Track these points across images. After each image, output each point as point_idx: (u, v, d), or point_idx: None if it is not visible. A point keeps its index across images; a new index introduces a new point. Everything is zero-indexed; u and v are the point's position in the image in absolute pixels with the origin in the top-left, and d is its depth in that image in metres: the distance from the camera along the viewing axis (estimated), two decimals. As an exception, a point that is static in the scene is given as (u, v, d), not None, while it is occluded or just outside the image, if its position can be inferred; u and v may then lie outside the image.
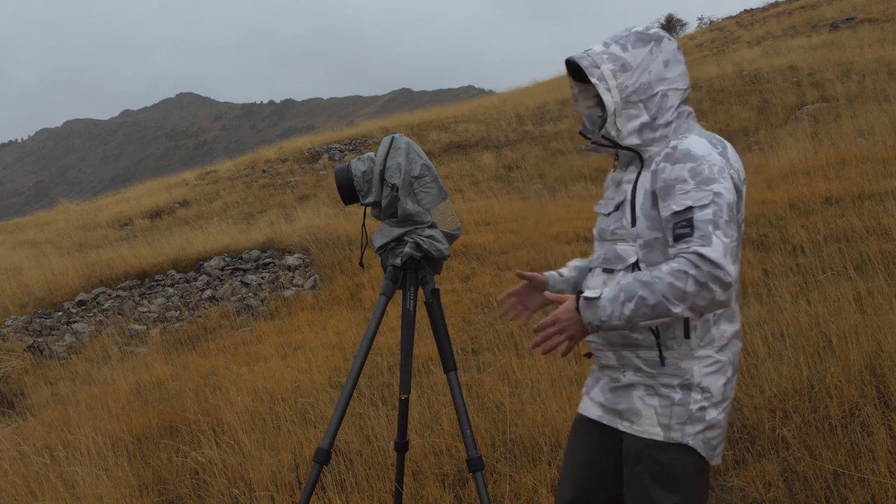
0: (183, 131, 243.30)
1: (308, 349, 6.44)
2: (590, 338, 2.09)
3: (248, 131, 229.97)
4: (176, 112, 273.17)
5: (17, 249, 16.29)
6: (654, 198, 1.98)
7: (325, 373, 5.47)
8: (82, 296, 10.28)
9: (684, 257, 1.81)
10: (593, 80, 2.02)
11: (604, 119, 2.15)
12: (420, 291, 2.94)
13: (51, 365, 7.89)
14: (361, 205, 2.99)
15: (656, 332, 1.96)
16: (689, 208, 1.86)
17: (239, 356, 6.76)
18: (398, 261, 2.90)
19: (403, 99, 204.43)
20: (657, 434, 1.99)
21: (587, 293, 1.89)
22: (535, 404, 3.97)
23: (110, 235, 17.54)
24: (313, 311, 8.20)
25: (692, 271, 1.78)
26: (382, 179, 2.90)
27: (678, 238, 1.86)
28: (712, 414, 1.98)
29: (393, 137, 2.98)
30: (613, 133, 2.04)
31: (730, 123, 13.53)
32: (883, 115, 10.44)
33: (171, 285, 10.38)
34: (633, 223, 2.01)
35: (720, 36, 28.11)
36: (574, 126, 17.31)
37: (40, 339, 8.62)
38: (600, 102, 2.16)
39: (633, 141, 2.04)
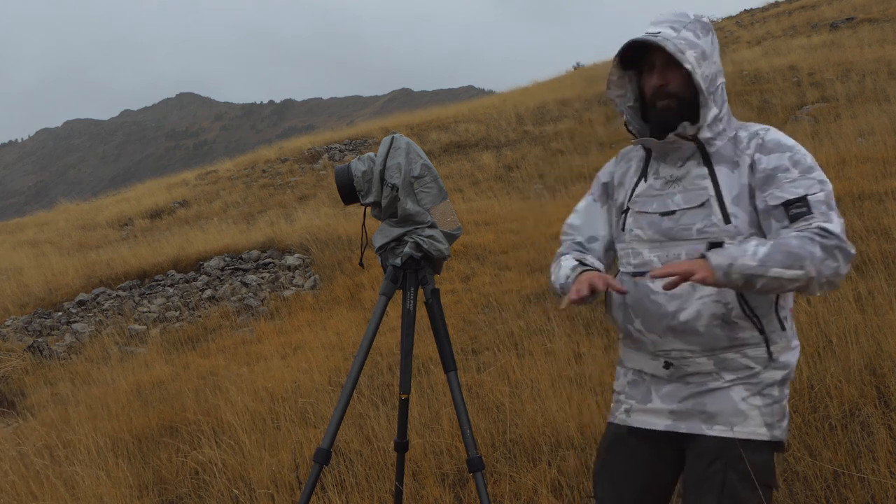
0: (183, 131, 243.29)
1: (308, 349, 6.44)
2: (680, 345, 1.97)
3: (248, 131, 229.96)
4: (176, 112, 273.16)
5: (17, 249, 16.29)
6: (751, 191, 1.95)
7: (325, 373, 5.47)
8: (82, 296, 10.28)
9: (808, 231, 1.82)
10: (688, 66, 1.91)
11: (633, 109, 2.09)
12: (420, 291, 2.94)
13: (51, 365, 7.89)
14: (361, 205, 2.98)
15: (762, 328, 1.94)
16: (803, 196, 1.87)
17: (239, 356, 6.76)
18: (398, 261, 2.89)
19: (403, 99, 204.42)
20: (762, 434, 1.95)
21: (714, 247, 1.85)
22: (535, 404, 3.97)
23: (110, 235, 17.54)
24: (313, 311, 8.20)
25: (818, 239, 1.80)
26: (382, 179, 2.90)
27: (795, 218, 1.86)
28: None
29: (393, 137, 2.98)
30: (702, 124, 1.97)
31: (730, 123, 13.51)
32: (883, 115, 10.44)
33: (171, 285, 10.38)
34: (727, 220, 1.93)
35: (720, 36, 28.09)
36: (574, 126, 17.31)
37: (40, 339, 8.62)
38: (634, 91, 2.08)
39: (706, 134, 1.98)
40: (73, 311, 9.95)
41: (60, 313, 9.92)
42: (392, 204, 2.90)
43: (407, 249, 2.88)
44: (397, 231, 2.91)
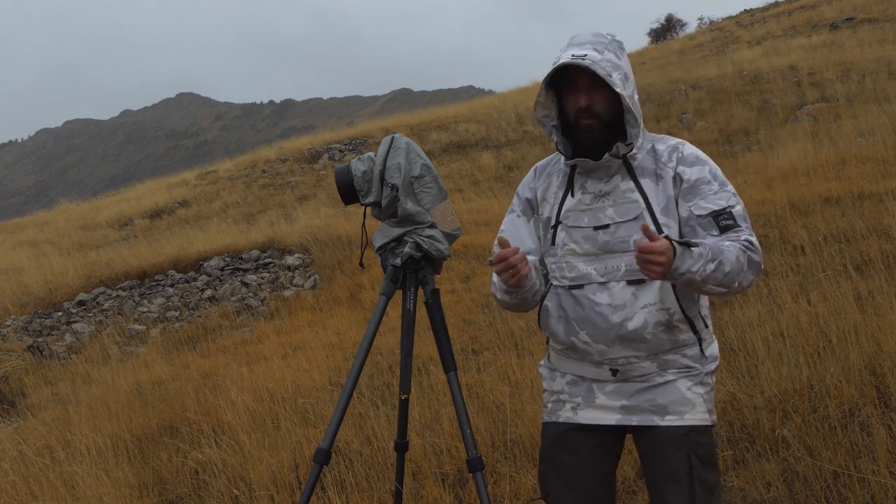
0: (183, 131, 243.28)
1: (308, 349, 6.45)
2: (627, 353, 2.06)
3: (248, 131, 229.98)
4: (176, 112, 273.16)
5: (17, 249, 16.29)
6: (676, 202, 2.08)
7: (325, 373, 5.47)
8: (82, 296, 10.28)
9: (739, 243, 1.97)
10: (618, 90, 1.99)
11: (556, 128, 2.15)
12: (420, 291, 2.94)
13: (51, 365, 7.89)
14: (361, 205, 2.98)
15: (695, 329, 2.10)
16: (726, 208, 2.03)
17: (239, 356, 6.76)
18: (398, 261, 2.89)
19: (403, 99, 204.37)
20: (706, 420, 2.10)
21: (688, 241, 1.92)
22: (535, 404, 3.97)
23: (110, 235, 17.54)
24: (313, 311, 8.20)
25: (748, 253, 1.97)
26: (382, 179, 2.90)
27: (725, 229, 2.01)
28: None
29: (393, 137, 2.98)
30: (632, 143, 2.08)
31: (730, 123, 13.52)
32: (883, 115, 10.43)
33: (171, 285, 10.38)
34: (659, 230, 2.05)
35: (720, 36, 28.10)
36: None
37: (40, 339, 8.62)
38: (555, 110, 2.15)
39: (631, 150, 2.09)
40: (73, 311, 9.95)
41: (60, 313, 9.92)
42: (392, 204, 2.90)
43: (407, 249, 2.88)
44: (397, 231, 2.91)
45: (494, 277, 2.18)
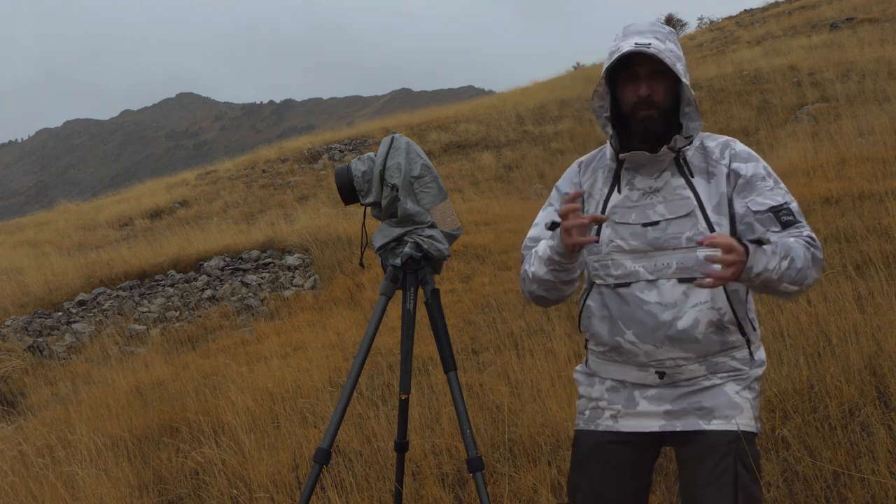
0: (183, 131, 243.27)
1: (308, 349, 6.45)
2: (676, 353, 1.99)
3: (248, 131, 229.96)
4: (176, 112, 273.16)
5: (17, 249, 16.30)
6: (729, 200, 2.03)
7: (325, 373, 5.47)
8: (82, 296, 10.28)
9: (803, 238, 1.94)
10: (684, 80, 1.96)
11: (608, 119, 2.09)
12: (420, 291, 2.94)
13: (51, 365, 7.89)
14: (361, 205, 2.98)
15: (743, 331, 2.03)
16: (784, 203, 1.99)
17: (239, 356, 6.76)
18: (398, 261, 2.89)
19: (403, 99, 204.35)
20: (753, 427, 2.02)
21: (759, 237, 1.89)
22: (535, 404, 3.97)
23: (110, 235, 17.54)
24: (313, 311, 8.20)
25: (812, 250, 1.94)
26: (382, 179, 2.90)
27: (787, 224, 1.97)
28: None
29: (393, 137, 2.97)
30: (692, 136, 2.03)
31: (730, 123, 13.52)
32: (883, 115, 10.43)
33: (171, 285, 10.38)
34: (711, 228, 1.98)
35: (720, 36, 28.11)
36: (574, 126, 17.30)
37: (40, 339, 8.62)
38: (609, 101, 2.08)
39: (690, 143, 2.06)
40: (73, 311, 9.95)
41: (60, 313, 9.92)
42: (392, 204, 2.90)
43: (407, 249, 2.88)
44: (397, 231, 2.91)
45: (541, 247, 2.05)
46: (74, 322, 9.51)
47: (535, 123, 18.75)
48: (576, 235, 1.90)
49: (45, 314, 9.95)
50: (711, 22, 35.58)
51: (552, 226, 2.02)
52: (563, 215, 1.90)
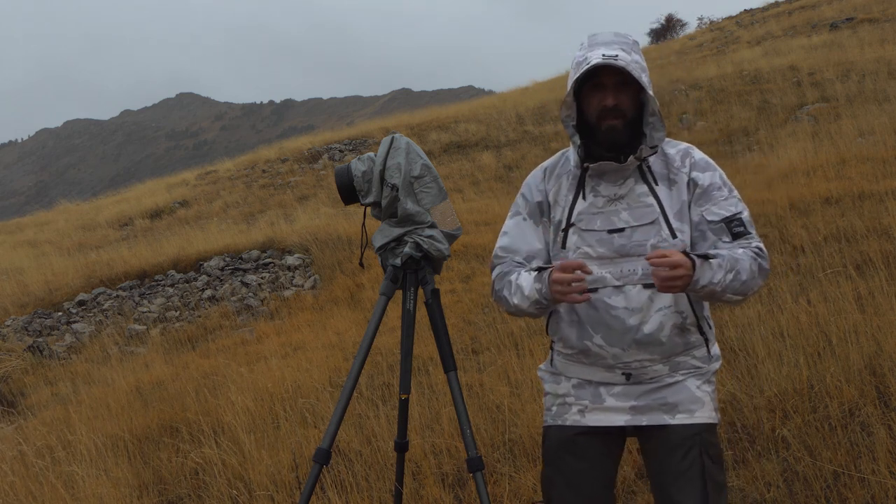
0: (183, 131, 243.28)
1: (308, 349, 6.45)
2: (642, 356, 2.07)
3: (248, 131, 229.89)
4: (176, 112, 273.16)
5: (17, 249, 16.29)
6: (688, 207, 2.10)
7: (325, 373, 5.47)
8: (82, 296, 10.28)
9: (751, 250, 2.03)
10: (650, 92, 2.03)
11: (575, 128, 2.13)
12: (420, 291, 2.94)
13: (51, 365, 7.89)
14: (361, 205, 2.98)
15: (702, 331, 2.13)
16: (737, 214, 2.08)
17: (239, 356, 6.76)
18: (398, 261, 2.89)
19: (403, 99, 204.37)
20: (713, 418, 2.13)
21: (706, 253, 1.98)
22: (535, 404, 3.97)
23: (110, 235, 17.54)
24: (313, 311, 8.20)
25: (759, 261, 2.03)
26: (382, 179, 2.90)
27: (738, 235, 2.07)
28: None
29: (393, 137, 2.97)
30: (656, 146, 2.09)
31: (730, 123, 13.52)
32: (883, 115, 10.43)
33: (171, 285, 10.38)
34: (674, 235, 2.06)
35: (720, 36, 28.10)
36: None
37: (40, 339, 8.62)
38: (578, 113, 2.13)
39: (655, 152, 2.11)
40: (73, 311, 9.95)
41: (60, 313, 9.92)
42: (392, 204, 2.90)
43: (407, 249, 2.88)
44: (397, 231, 2.91)
45: (525, 282, 2.10)
46: (74, 322, 9.51)
47: (535, 123, 18.75)
48: (567, 294, 1.99)
49: (45, 314, 9.95)
50: (711, 22, 35.56)
51: (538, 269, 2.10)
52: (565, 282, 1.97)
